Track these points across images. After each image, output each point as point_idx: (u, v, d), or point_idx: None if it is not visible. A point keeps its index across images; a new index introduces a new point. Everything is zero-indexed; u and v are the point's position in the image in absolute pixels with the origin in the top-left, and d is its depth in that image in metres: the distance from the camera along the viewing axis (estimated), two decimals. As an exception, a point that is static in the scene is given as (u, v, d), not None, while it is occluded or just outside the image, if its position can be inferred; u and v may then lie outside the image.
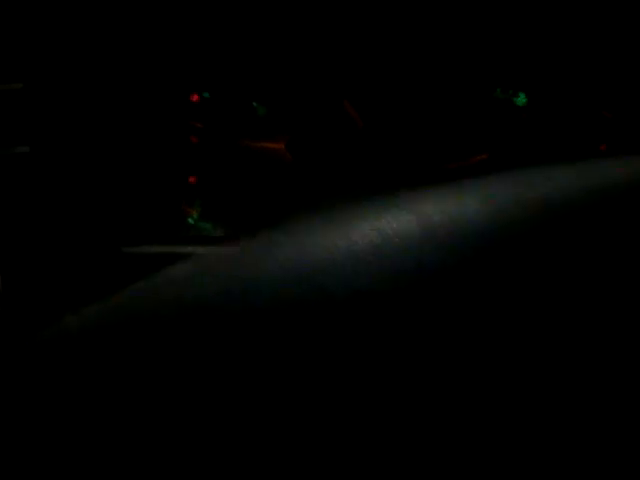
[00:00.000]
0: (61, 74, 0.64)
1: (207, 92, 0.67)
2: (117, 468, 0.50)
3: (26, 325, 0.59)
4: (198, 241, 0.66)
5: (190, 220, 0.70)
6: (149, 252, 0.64)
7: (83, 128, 0.59)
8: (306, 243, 0.32)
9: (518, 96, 0.66)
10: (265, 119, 0.67)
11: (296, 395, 0.37)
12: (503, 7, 0.65)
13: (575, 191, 0.36)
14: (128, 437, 0.50)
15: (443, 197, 0.31)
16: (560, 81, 0.62)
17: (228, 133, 0.66)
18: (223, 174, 0.67)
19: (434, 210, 0.25)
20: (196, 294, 0.44)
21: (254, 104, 0.68)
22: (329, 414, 0.40)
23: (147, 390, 0.44)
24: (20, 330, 0.58)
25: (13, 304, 0.60)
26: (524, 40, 0.63)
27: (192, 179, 0.69)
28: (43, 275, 0.57)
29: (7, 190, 0.63)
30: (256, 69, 0.63)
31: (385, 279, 0.24)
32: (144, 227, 0.65)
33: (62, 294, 0.60)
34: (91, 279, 0.60)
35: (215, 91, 0.67)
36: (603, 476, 0.55)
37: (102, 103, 0.59)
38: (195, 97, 0.67)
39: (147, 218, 0.65)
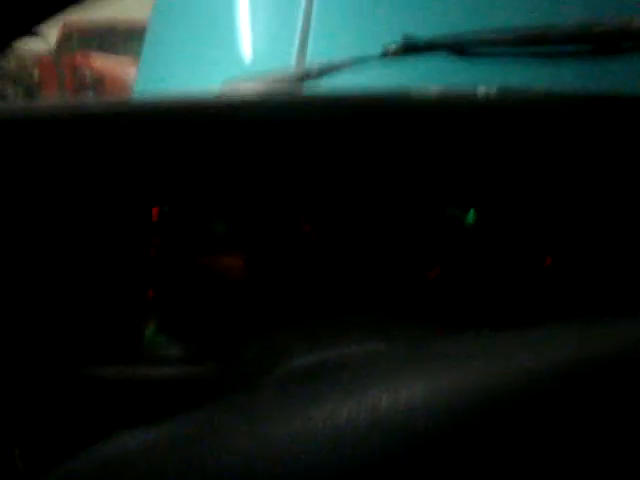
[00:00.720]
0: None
1: (167, 206, 0.68)
2: None
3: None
4: (157, 361, 0.65)
5: (148, 335, 0.68)
6: (109, 375, 0.62)
7: (40, 244, 0.58)
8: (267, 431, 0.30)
9: (468, 213, 0.70)
10: (223, 236, 0.68)
11: None
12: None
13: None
14: None
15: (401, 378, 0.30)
16: (506, 197, 0.66)
17: (186, 248, 0.67)
18: (181, 289, 0.67)
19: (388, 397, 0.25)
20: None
21: (213, 220, 0.69)
22: None
23: None
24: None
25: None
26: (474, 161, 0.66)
27: (150, 293, 0.69)
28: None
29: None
30: (215, 189, 0.65)
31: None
32: (101, 344, 0.64)
33: (21, 426, 0.57)
34: (49, 410, 0.58)
35: (174, 206, 0.68)
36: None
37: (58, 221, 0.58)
38: (154, 212, 0.68)
39: (104, 333, 0.64)
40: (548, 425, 0.25)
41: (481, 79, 0.82)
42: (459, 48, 0.86)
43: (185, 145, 0.61)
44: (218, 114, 0.60)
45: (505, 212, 0.69)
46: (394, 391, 0.27)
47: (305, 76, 1.00)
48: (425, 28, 0.93)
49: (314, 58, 1.06)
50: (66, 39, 6.27)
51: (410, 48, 0.87)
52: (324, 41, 1.21)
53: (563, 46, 0.90)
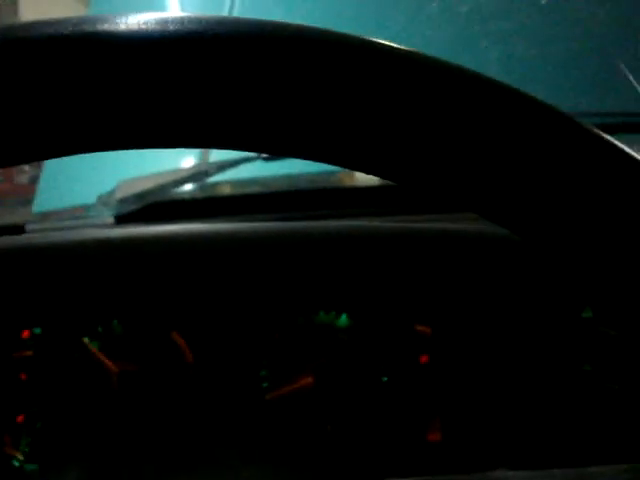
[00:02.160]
0: None
1: (38, 328, 0.68)
2: None
3: None
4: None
5: (15, 463, 0.65)
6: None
7: None
8: None
9: (340, 317, 0.71)
10: (96, 353, 0.68)
11: None
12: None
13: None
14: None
15: None
16: (377, 302, 0.68)
17: (57, 368, 0.66)
18: (52, 411, 0.65)
19: None
20: None
21: (86, 339, 0.69)
22: None
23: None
24: None
25: None
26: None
27: (20, 418, 0.67)
28: None
29: None
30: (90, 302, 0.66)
31: None
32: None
33: None
34: None
35: (45, 327, 0.67)
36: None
37: None
38: (25, 333, 0.67)
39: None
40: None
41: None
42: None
43: (53, 276, 0.63)
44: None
45: (379, 313, 0.71)
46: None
47: (203, 174, 1.02)
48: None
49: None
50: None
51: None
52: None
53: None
